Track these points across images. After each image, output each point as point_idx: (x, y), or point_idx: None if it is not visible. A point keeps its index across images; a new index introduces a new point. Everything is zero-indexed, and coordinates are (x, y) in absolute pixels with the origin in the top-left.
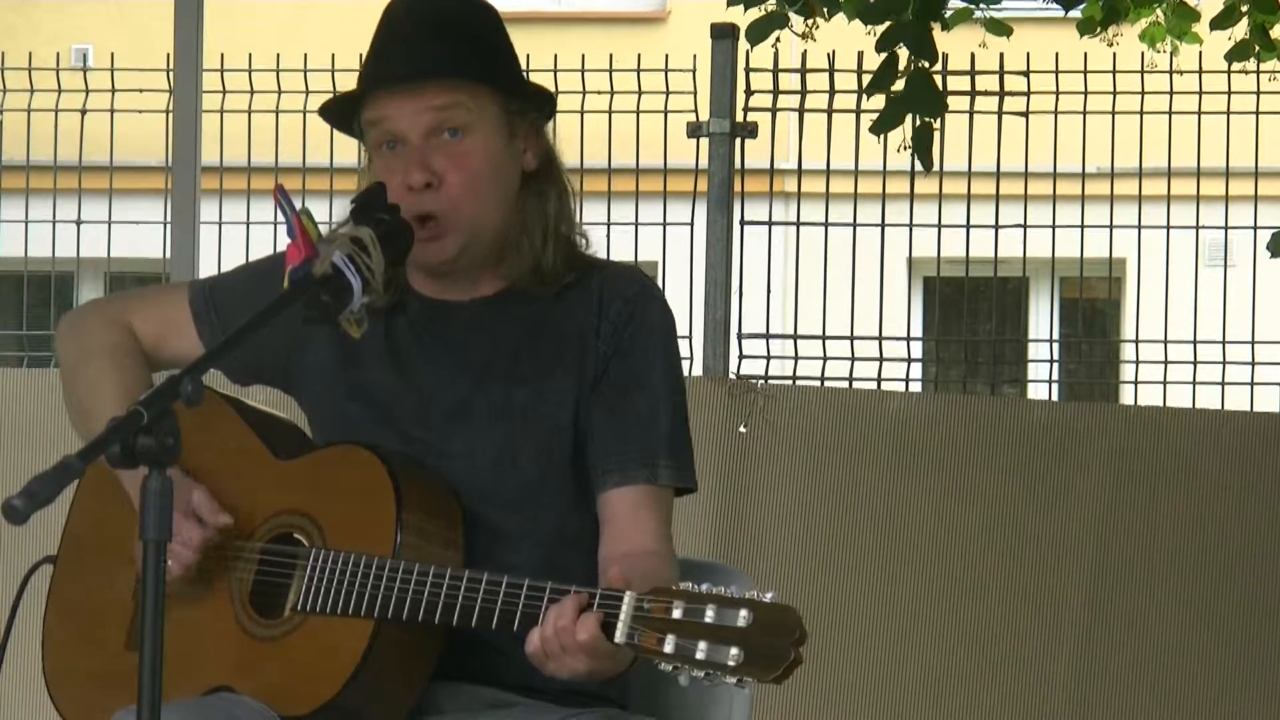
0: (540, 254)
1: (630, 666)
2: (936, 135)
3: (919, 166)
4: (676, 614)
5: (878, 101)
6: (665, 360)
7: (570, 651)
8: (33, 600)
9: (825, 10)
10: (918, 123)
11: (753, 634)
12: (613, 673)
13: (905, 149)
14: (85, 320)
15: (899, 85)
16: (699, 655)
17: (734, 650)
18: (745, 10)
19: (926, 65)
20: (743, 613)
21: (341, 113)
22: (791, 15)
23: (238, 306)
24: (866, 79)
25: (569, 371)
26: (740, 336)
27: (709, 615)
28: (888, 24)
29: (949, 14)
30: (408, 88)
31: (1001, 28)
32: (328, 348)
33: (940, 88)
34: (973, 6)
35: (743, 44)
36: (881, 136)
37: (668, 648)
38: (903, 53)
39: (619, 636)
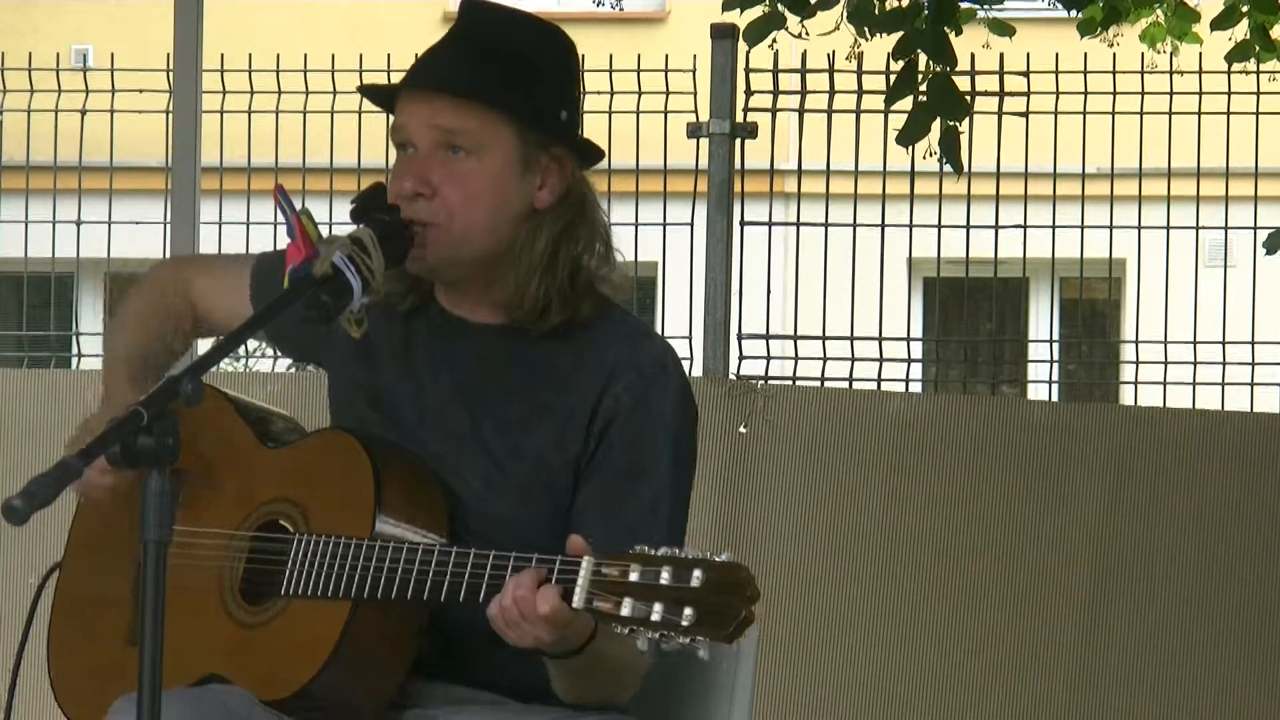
0: (524, 286)
1: (590, 640)
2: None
3: (921, 166)
4: (633, 577)
5: (876, 101)
6: (674, 450)
7: (530, 620)
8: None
9: (866, 31)
10: (943, 127)
11: (706, 594)
12: (576, 642)
13: (931, 155)
14: (155, 274)
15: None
16: (654, 617)
17: (688, 610)
18: (741, 12)
19: (946, 69)
20: (696, 573)
21: (390, 101)
22: (788, 15)
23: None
24: (867, 79)
25: (552, 435)
26: (740, 337)
27: (664, 577)
28: (902, 32)
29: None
30: (422, 94)
31: (1005, 28)
32: (350, 344)
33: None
34: (976, 7)
35: (743, 44)
36: (885, 139)
37: (625, 610)
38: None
39: (577, 601)
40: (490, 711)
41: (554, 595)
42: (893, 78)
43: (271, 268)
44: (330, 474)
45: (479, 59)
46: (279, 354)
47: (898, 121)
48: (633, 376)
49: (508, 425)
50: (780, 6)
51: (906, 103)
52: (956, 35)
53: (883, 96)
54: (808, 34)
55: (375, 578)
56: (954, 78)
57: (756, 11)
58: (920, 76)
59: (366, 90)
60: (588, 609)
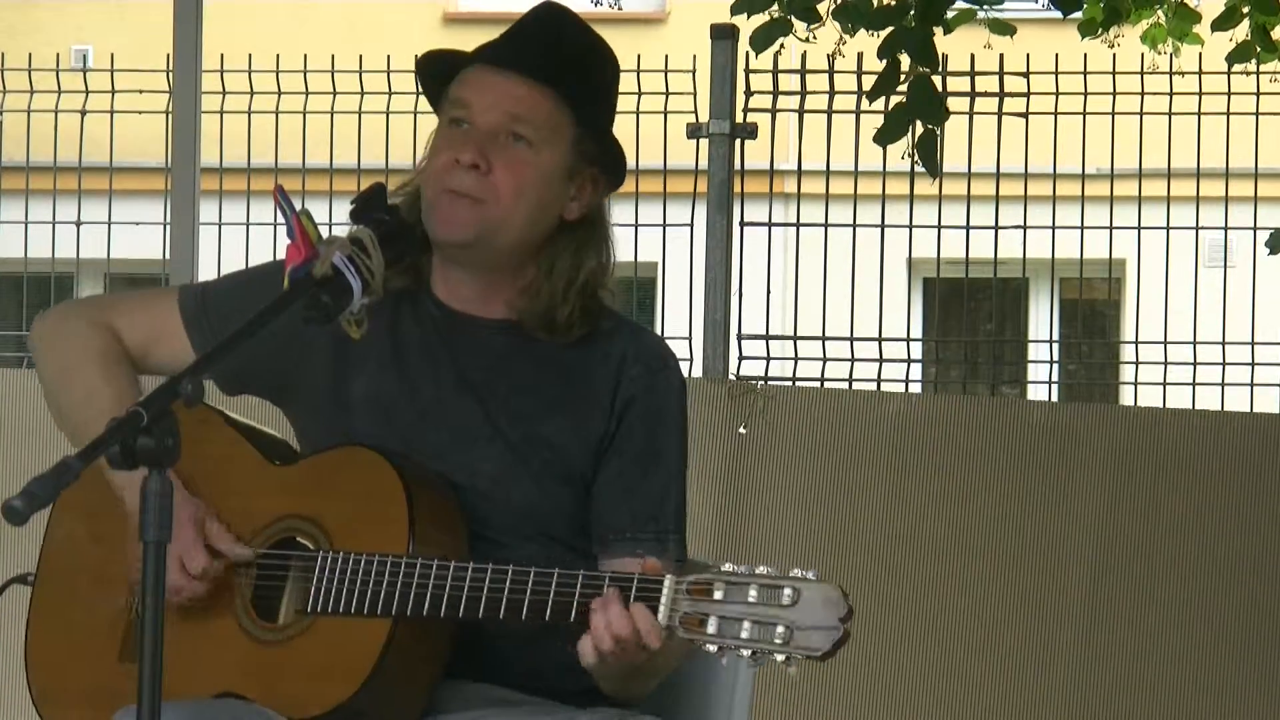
0: (558, 305)
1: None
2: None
3: (920, 166)
4: (718, 595)
5: (878, 103)
6: (679, 435)
7: (632, 653)
8: (11, 623)
9: (850, 27)
10: (921, 130)
11: (798, 612)
12: (665, 658)
13: (907, 157)
14: (67, 324)
15: (896, 91)
16: (744, 634)
17: (780, 629)
18: (749, 17)
19: (928, 71)
20: (787, 591)
21: (437, 77)
22: (794, 21)
23: (233, 312)
24: (866, 80)
25: (571, 425)
26: (740, 337)
27: (752, 595)
28: (889, 30)
29: (951, 15)
30: (508, 72)
31: (1005, 28)
32: (327, 356)
33: (940, 91)
34: (975, 8)
35: (743, 44)
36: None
37: (710, 629)
38: (902, 58)
39: (662, 619)
40: (501, 711)
41: (658, 626)
42: None
43: (212, 301)
44: (353, 490)
45: (557, 53)
46: (229, 393)
47: None
48: (640, 368)
49: (520, 416)
50: (789, 14)
51: (867, 96)
52: (946, 34)
53: (882, 97)
54: (815, 39)
55: (420, 594)
56: (947, 78)
57: (760, 16)
58: (903, 76)
59: (427, 58)
60: (670, 628)
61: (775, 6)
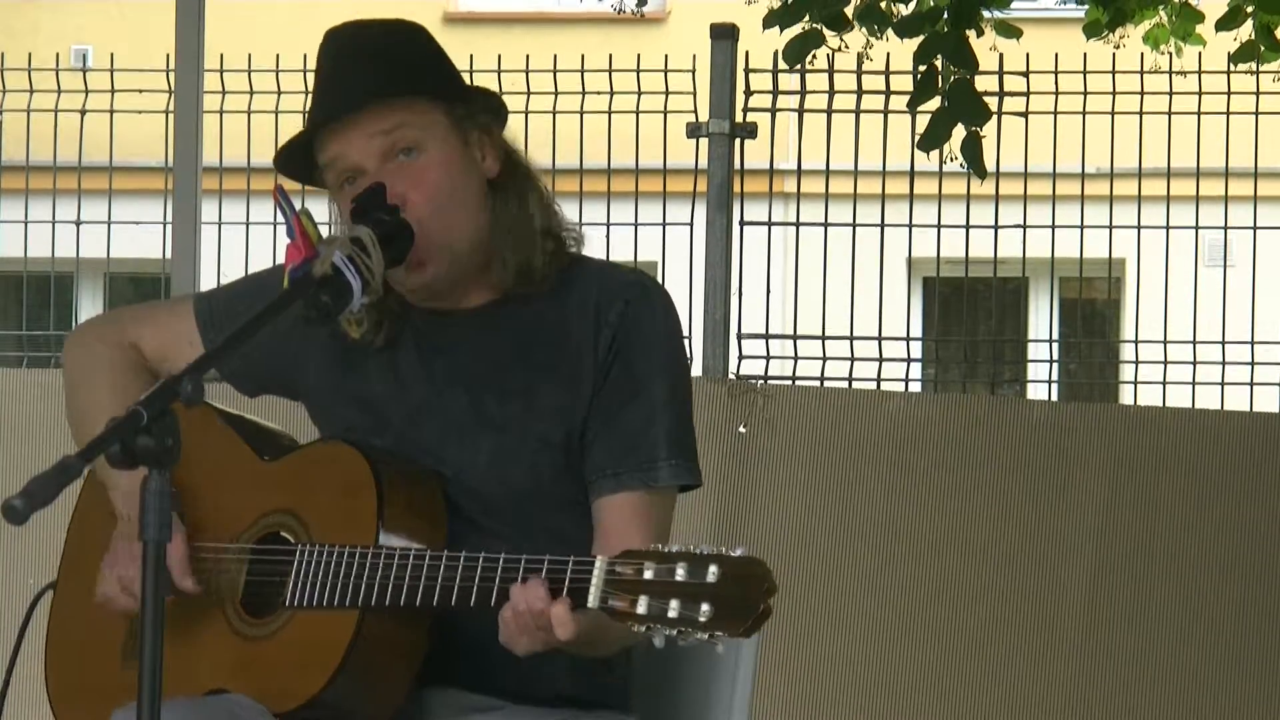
0: (526, 257)
1: (602, 644)
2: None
3: (921, 166)
4: (648, 575)
5: (876, 101)
6: (667, 365)
7: (544, 628)
8: (34, 622)
9: (878, 29)
10: (965, 133)
11: (722, 588)
12: (586, 643)
13: (952, 160)
14: (89, 337)
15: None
16: (671, 614)
17: (705, 606)
18: (781, 31)
19: (966, 74)
20: (712, 568)
21: (300, 165)
22: (825, 32)
23: (242, 315)
24: (867, 80)
25: (563, 384)
26: (740, 336)
27: (680, 573)
28: (924, 36)
29: None
30: (351, 116)
31: (1011, 30)
32: (328, 355)
33: (980, 93)
34: (983, 11)
35: (743, 44)
36: (884, 139)
37: (640, 609)
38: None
39: (592, 601)
40: (491, 716)
41: (563, 607)
42: (893, 79)
43: (222, 305)
44: (331, 484)
45: (377, 64)
46: (250, 394)
47: (897, 121)
48: (619, 304)
49: (510, 394)
50: (817, 24)
51: (907, 103)
52: (979, 36)
53: (883, 96)
54: (846, 46)
55: (383, 585)
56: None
57: (800, 28)
58: (939, 80)
59: (282, 164)
60: (603, 608)
61: (806, 19)
